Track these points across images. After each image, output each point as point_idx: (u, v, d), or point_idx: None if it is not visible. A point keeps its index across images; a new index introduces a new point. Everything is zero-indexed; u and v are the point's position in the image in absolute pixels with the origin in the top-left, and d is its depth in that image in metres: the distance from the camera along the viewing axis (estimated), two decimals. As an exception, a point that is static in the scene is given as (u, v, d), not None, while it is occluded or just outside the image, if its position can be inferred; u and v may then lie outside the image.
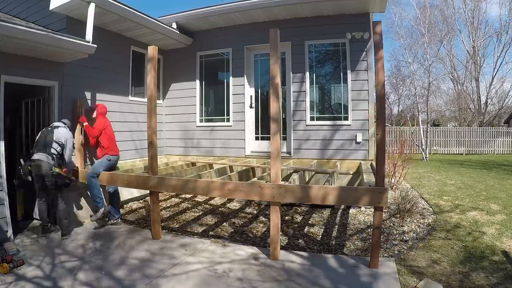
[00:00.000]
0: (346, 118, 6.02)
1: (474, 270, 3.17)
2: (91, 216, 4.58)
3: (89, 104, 5.35)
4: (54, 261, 3.45)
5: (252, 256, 3.57)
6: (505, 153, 17.39)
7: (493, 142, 17.68)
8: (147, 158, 4.27)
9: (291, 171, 5.53)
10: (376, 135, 3.27)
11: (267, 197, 3.47)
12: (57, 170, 4.10)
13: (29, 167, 4.05)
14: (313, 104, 6.33)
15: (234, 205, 5.81)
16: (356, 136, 5.89)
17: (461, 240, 3.92)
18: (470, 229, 4.27)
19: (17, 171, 4.29)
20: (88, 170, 4.64)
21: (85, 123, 4.73)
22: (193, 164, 6.33)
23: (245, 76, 6.59)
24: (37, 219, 4.89)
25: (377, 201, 3.15)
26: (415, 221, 4.57)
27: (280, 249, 3.70)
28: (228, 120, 6.78)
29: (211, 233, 4.44)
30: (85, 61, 4.87)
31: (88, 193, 4.71)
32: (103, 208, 4.47)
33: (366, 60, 5.87)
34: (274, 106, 3.50)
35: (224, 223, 4.86)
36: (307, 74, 6.21)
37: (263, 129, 6.61)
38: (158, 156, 4.68)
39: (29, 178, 4.08)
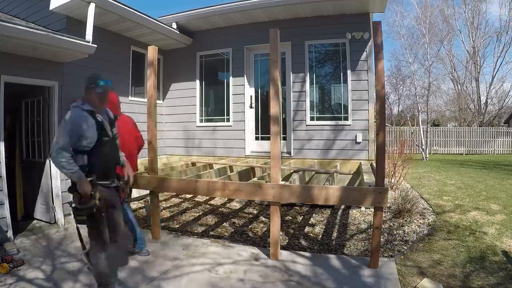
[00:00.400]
0: (346, 118, 6.02)
1: (474, 270, 3.17)
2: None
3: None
4: (54, 261, 3.45)
5: (252, 256, 3.57)
6: (505, 153, 17.39)
7: (493, 142, 17.68)
8: (147, 158, 4.27)
9: (291, 171, 5.53)
10: (376, 135, 3.27)
11: (269, 197, 3.47)
12: None
13: None
14: (313, 104, 6.33)
15: (234, 205, 5.81)
16: (356, 136, 5.88)
17: (461, 240, 3.91)
18: (470, 229, 4.27)
19: None
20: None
21: None
22: (193, 164, 6.33)
23: (245, 76, 6.58)
24: (37, 219, 4.90)
25: (377, 201, 3.15)
26: (415, 221, 4.57)
27: (281, 249, 3.70)
28: (228, 120, 6.77)
29: (211, 233, 4.43)
30: (85, 61, 4.86)
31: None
32: None
33: (366, 60, 5.87)
34: (274, 106, 3.49)
35: (225, 223, 4.86)
36: (307, 74, 6.21)
37: (263, 129, 6.60)
38: (158, 156, 4.68)
39: None
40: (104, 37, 5.43)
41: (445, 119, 27.43)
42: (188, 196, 6.35)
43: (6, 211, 3.88)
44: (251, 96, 6.67)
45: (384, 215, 4.79)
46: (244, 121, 6.59)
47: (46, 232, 4.44)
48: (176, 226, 4.73)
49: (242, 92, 6.61)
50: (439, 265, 3.29)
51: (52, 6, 4.67)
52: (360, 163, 5.70)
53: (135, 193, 6.08)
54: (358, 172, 5.65)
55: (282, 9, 5.91)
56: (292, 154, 6.23)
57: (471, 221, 4.59)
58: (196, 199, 6.26)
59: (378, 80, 3.28)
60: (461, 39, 22.96)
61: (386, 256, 3.54)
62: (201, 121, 7.07)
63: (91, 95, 2.60)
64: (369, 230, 4.31)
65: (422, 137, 15.60)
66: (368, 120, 5.85)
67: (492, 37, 22.32)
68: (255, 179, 5.15)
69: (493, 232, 4.14)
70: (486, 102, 23.20)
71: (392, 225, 4.48)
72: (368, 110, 5.85)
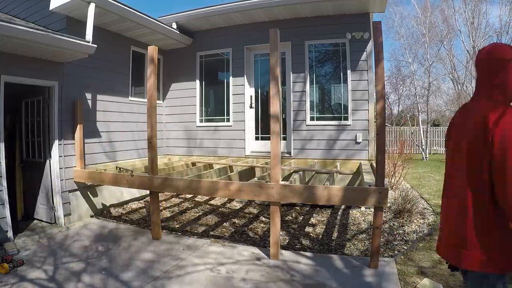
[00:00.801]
0: (346, 118, 6.01)
1: (474, 270, 3.16)
2: None
3: (89, 104, 5.35)
4: (54, 261, 3.45)
5: (253, 256, 3.57)
6: (505, 153, 17.35)
7: (493, 142, 17.64)
8: (147, 158, 4.27)
9: (291, 171, 5.53)
10: (376, 135, 3.27)
11: (270, 197, 3.48)
12: None
13: None
14: (313, 104, 6.32)
15: (235, 205, 5.81)
16: (356, 136, 5.88)
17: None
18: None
19: None
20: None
21: None
22: (193, 164, 6.33)
23: (245, 76, 6.58)
24: (37, 219, 4.90)
25: (377, 201, 3.15)
26: (415, 221, 4.57)
27: (281, 249, 3.71)
28: (228, 120, 6.77)
29: (211, 233, 4.44)
30: (85, 61, 4.87)
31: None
32: None
33: (366, 60, 5.86)
34: (274, 106, 3.49)
35: (225, 223, 4.86)
36: (307, 74, 6.21)
37: (263, 129, 6.60)
38: (158, 156, 4.68)
39: None
40: (104, 37, 5.43)
41: (445, 119, 27.36)
42: (188, 196, 6.35)
43: (6, 211, 3.88)
44: (251, 96, 6.67)
45: (384, 215, 4.79)
46: (244, 121, 6.59)
47: (46, 232, 4.44)
48: (177, 226, 4.73)
49: (242, 92, 6.61)
50: (440, 264, 3.29)
51: (52, 6, 4.67)
52: (360, 163, 5.70)
53: (136, 193, 6.09)
54: (358, 172, 5.65)
55: (282, 9, 5.91)
56: (292, 154, 6.22)
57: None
58: (196, 199, 6.26)
59: (378, 80, 3.28)
60: (461, 39, 22.92)
61: (386, 256, 3.55)
62: (201, 121, 7.07)
63: None
64: (369, 230, 4.31)
65: (422, 137, 15.60)
66: (368, 120, 5.84)
67: (492, 37, 22.31)
68: (255, 179, 5.15)
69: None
70: (486, 102, 23.17)
71: (392, 225, 4.48)
72: (368, 110, 5.84)
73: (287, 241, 4.13)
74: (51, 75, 4.62)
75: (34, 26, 4.08)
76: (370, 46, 5.77)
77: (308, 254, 3.64)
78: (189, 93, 7.06)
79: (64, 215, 4.69)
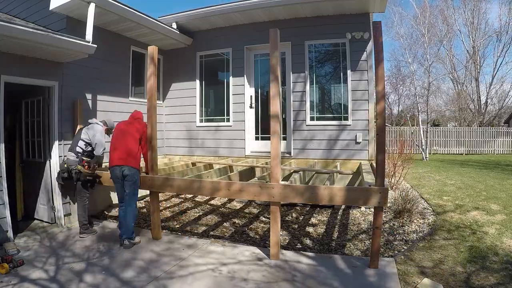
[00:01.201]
0: (346, 118, 6.02)
1: (474, 270, 3.17)
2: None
3: (89, 104, 5.35)
4: (55, 261, 3.45)
5: (254, 256, 3.57)
6: (505, 153, 17.40)
7: (493, 142, 17.68)
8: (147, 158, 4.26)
9: (291, 171, 5.53)
10: (376, 135, 3.27)
11: (272, 197, 3.48)
12: (79, 167, 4.23)
13: (65, 164, 4.37)
14: (313, 104, 6.32)
15: (235, 205, 5.81)
16: (356, 136, 5.88)
17: (461, 240, 3.91)
18: (470, 229, 4.27)
19: (60, 166, 4.54)
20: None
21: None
22: (193, 164, 6.33)
23: (245, 76, 6.58)
24: (37, 219, 4.90)
25: (377, 201, 3.15)
26: (415, 221, 4.57)
27: (282, 249, 3.71)
28: (228, 120, 6.77)
29: (211, 233, 4.44)
30: (85, 61, 4.86)
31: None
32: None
33: (366, 60, 5.86)
34: (274, 106, 3.50)
35: (225, 223, 4.86)
36: (307, 74, 6.21)
37: (263, 129, 6.60)
38: (158, 156, 4.67)
39: (65, 174, 4.33)
40: (104, 37, 5.43)
41: (445, 119, 27.42)
42: (188, 196, 6.34)
43: (6, 211, 3.88)
44: (251, 96, 6.67)
45: (384, 215, 4.80)
46: (244, 121, 6.59)
47: (46, 231, 4.44)
48: (177, 226, 4.73)
49: (242, 92, 6.61)
50: (440, 264, 3.30)
51: (52, 6, 4.67)
52: (360, 163, 5.70)
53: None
54: (358, 172, 5.65)
55: (282, 9, 5.91)
56: (292, 154, 6.23)
57: (471, 221, 4.59)
58: (196, 199, 6.26)
59: (378, 80, 3.28)
60: (461, 39, 22.95)
61: (386, 256, 3.55)
62: (201, 121, 7.07)
63: None
64: (370, 230, 4.31)
65: (422, 137, 15.60)
66: (368, 120, 5.84)
67: (492, 37, 22.32)
68: (255, 179, 5.15)
69: (493, 232, 4.14)
70: (486, 102, 23.19)
71: (392, 225, 4.48)
72: (368, 110, 5.85)
73: (287, 241, 4.13)
74: (51, 75, 4.62)
75: (34, 26, 4.08)
76: (370, 46, 5.77)
77: (308, 254, 3.64)
78: (189, 93, 7.06)
79: (64, 215, 4.68)
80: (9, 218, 3.90)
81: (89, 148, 4.36)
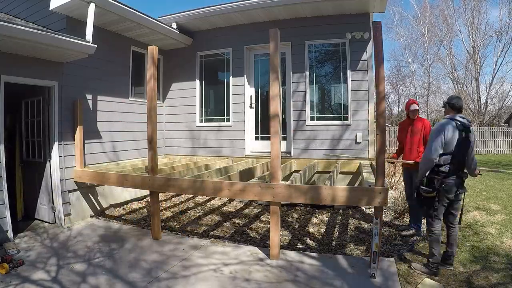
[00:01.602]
0: (346, 118, 6.01)
1: (474, 270, 3.17)
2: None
3: (89, 104, 5.35)
4: (55, 261, 3.45)
5: (254, 256, 3.57)
6: (505, 153, 17.39)
7: (493, 142, 17.68)
8: (147, 158, 4.26)
9: (291, 171, 5.53)
10: (376, 135, 3.27)
11: (273, 197, 3.48)
12: None
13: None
14: (313, 104, 6.32)
15: (235, 205, 5.81)
16: (356, 136, 5.88)
17: (461, 240, 3.91)
18: (470, 229, 4.27)
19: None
20: None
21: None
22: (194, 164, 6.32)
23: (245, 76, 6.58)
24: (37, 219, 4.90)
25: (377, 201, 3.15)
26: (415, 221, 4.56)
27: (282, 248, 3.71)
28: (228, 120, 6.77)
29: (212, 233, 4.43)
30: (85, 61, 4.86)
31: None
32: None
33: (366, 60, 5.86)
34: (274, 106, 3.49)
35: (226, 223, 4.86)
36: (307, 74, 6.21)
37: (263, 129, 6.60)
38: (158, 156, 4.67)
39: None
40: (104, 37, 5.43)
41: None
42: (189, 196, 6.34)
43: (6, 211, 3.88)
44: (251, 96, 6.66)
45: (385, 215, 4.80)
46: (244, 121, 6.59)
47: (47, 232, 4.44)
48: (177, 226, 4.73)
49: (242, 92, 6.61)
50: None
51: (52, 6, 4.66)
52: (360, 163, 5.70)
53: (136, 192, 6.09)
54: (358, 172, 5.65)
55: (282, 9, 5.91)
56: (292, 154, 6.22)
57: (471, 221, 4.59)
58: (197, 199, 6.26)
59: (378, 80, 3.28)
60: (461, 39, 22.95)
61: (386, 256, 3.55)
62: (201, 121, 7.07)
63: None
64: (370, 230, 4.31)
65: (422, 137, 15.58)
66: (368, 120, 5.84)
67: (492, 37, 22.33)
68: (256, 179, 5.15)
69: (493, 232, 4.14)
70: (486, 102, 23.20)
71: (393, 225, 4.48)
72: (368, 110, 5.84)
73: (288, 241, 4.13)
74: (51, 75, 4.62)
75: (34, 26, 4.07)
76: (370, 46, 5.77)
77: (309, 254, 3.64)
78: (189, 93, 7.05)
79: (65, 215, 4.68)
80: (9, 218, 3.90)
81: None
